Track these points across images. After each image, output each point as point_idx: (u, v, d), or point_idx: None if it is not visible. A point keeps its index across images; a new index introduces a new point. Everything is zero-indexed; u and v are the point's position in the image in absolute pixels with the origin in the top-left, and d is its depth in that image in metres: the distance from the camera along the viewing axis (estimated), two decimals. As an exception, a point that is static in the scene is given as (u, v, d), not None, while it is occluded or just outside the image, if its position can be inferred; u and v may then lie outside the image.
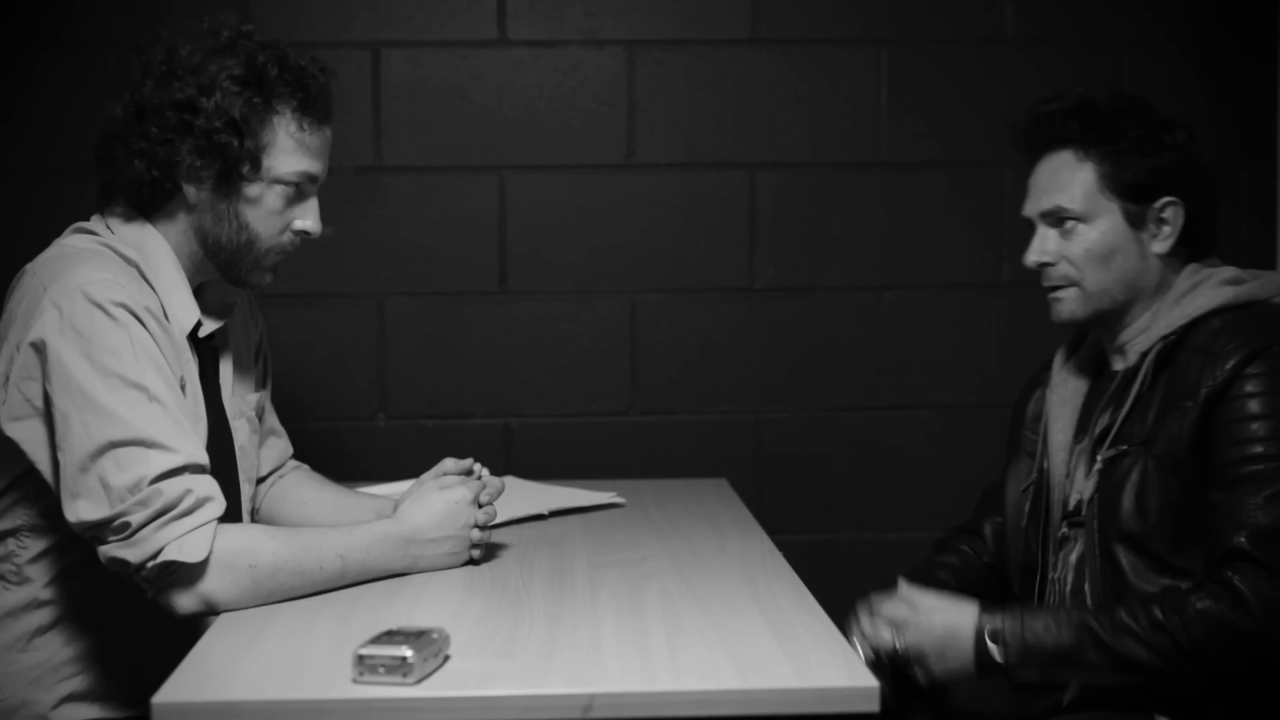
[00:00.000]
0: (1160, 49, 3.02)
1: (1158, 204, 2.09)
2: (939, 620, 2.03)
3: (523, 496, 2.46)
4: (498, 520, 2.12)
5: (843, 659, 1.61)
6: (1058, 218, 2.12)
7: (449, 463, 2.14)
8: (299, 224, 2.03)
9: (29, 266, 1.95)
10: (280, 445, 2.34)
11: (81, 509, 1.79)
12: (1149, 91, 2.95)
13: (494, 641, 1.67)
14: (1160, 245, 2.11)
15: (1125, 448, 2.07)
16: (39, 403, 1.85)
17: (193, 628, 1.83)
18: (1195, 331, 2.05)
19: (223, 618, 1.79)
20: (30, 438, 1.87)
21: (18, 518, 1.95)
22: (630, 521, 2.38)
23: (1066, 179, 2.12)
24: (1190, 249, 2.13)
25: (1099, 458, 2.10)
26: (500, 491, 2.11)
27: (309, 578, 1.87)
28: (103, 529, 1.78)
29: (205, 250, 2.01)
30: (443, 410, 2.98)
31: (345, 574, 1.91)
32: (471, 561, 2.03)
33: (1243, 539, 1.91)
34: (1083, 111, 2.14)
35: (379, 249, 2.95)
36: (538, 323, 2.99)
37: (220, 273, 2.05)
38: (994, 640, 1.97)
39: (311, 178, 2.02)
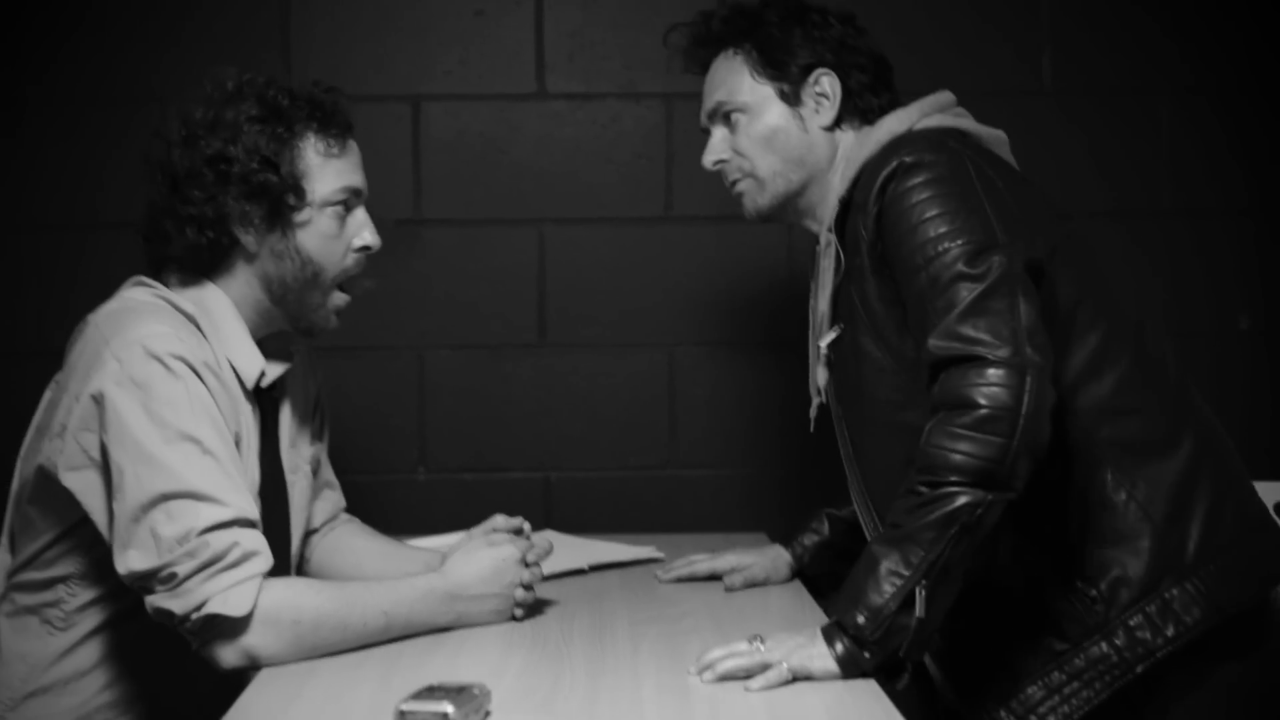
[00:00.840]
0: (1198, 99, 3.01)
1: (811, 78, 2.10)
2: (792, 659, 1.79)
3: (562, 551, 2.45)
4: (538, 575, 2.12)
5: (884, 717, 1.59)
6: (723, 114, 2.15)
7: (499, 519, 2.14)
8: (358, 241, 2.04)
9: (90, 318, 1.96)
10: (334, 498, 2.34)
11: (131, 559, 1.79)
12: (1187, 141, 2.99)
13: (534, 698, 1.66)
14: (823, 118, 2.11)
15: (841, 327, 2.04)
16: (95, 454, 1.86)
17: (237, 681, 1.83)
18: (856, 190, 2.01)
19: (265, 672, 1.78)
20: (85, 488, 1.88)
21: (69, 565, 1.96)
22: (675, 582, 2.36)
23: (723, 75, 2.16)
24: (863, 118, 2.12)
25: (820, 346, 2.08)
26: (548, 552, 2.11)
27: (352, 632, 1.87)
28: (150, 579, 1.79)
29: (272, 296, 2.02)
30: (482, 464, 2.98)
31: (389, 629, 1.91)
32: (514, 619, 2.03)
33: (930, 347, 1.82)
34: (730, 14, 2.17)
35: (419, 302, 2.96)
36: (577, 375, 2.99)
37: (289, 318, 2.05)
38: (836, 640, 1.77)
39: (355, 191, 2.04)
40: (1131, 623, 1.87)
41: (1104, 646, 1.88)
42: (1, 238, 2.93)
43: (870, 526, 2.06)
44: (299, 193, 1.98)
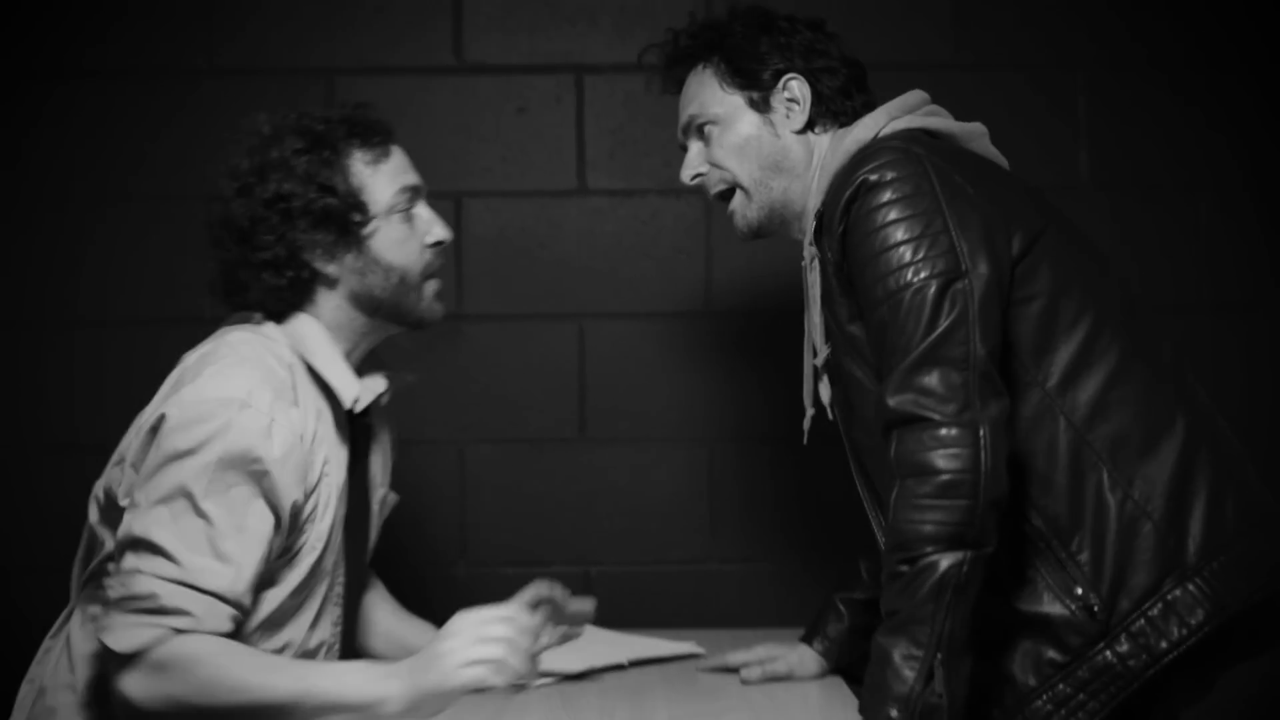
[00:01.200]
0: (1237, 196, 3.01)
1: (779, 84, 2.11)
2: None
3: (602, 646, 2.44)
4: (577, 670, 2.10)
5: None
6: (696, 128, 2.17)
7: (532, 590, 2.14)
8: (429, 238, 2.08)
9: (186, 357, 1.99)
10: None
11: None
12: (1229, 239, 2.98)
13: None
14: (794, 122, 2.12)
15: (829, 347, 2.03)
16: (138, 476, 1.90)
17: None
18: (825, 206, 2.00)
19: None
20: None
21: None
22: (710, 672, 2.35)
23: (694, 90, 2.17)
24: (836, 120, 2.12)
25: (816, 362, 2.07)
26: (578, 625, 2.10)
27: (253, 693, 1.81)
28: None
29: (366, 312, 2.05)
30: (522, 558, 2.97)
31: (306, 699, 1.81)
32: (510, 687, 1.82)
33: (886, 400, 1.84)
34: (695, 35, 2.19)
35: (460, 396, 2.97)
36: (616, 469, 2.99)
37: (395, 322, 2.08)
38: None
39: (413, 189, 2.08)
40: (1134, 628, 1.84)
41: (1108, 655, 1.85)
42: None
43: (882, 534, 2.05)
44: (361, 207, 2.01)
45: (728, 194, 2.17)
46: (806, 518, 2.98)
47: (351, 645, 2.18)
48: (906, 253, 1.85)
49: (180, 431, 1.85)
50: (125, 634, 1.81)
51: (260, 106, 2.10)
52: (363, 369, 2.10)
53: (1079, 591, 1.87)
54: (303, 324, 2.03)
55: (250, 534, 1.87)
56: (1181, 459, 1.90)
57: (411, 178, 2.08)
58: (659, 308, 3.01)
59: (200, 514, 1.84)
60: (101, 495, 2.00)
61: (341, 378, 2.02)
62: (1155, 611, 1.85)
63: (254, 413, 1.87)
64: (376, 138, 2.06)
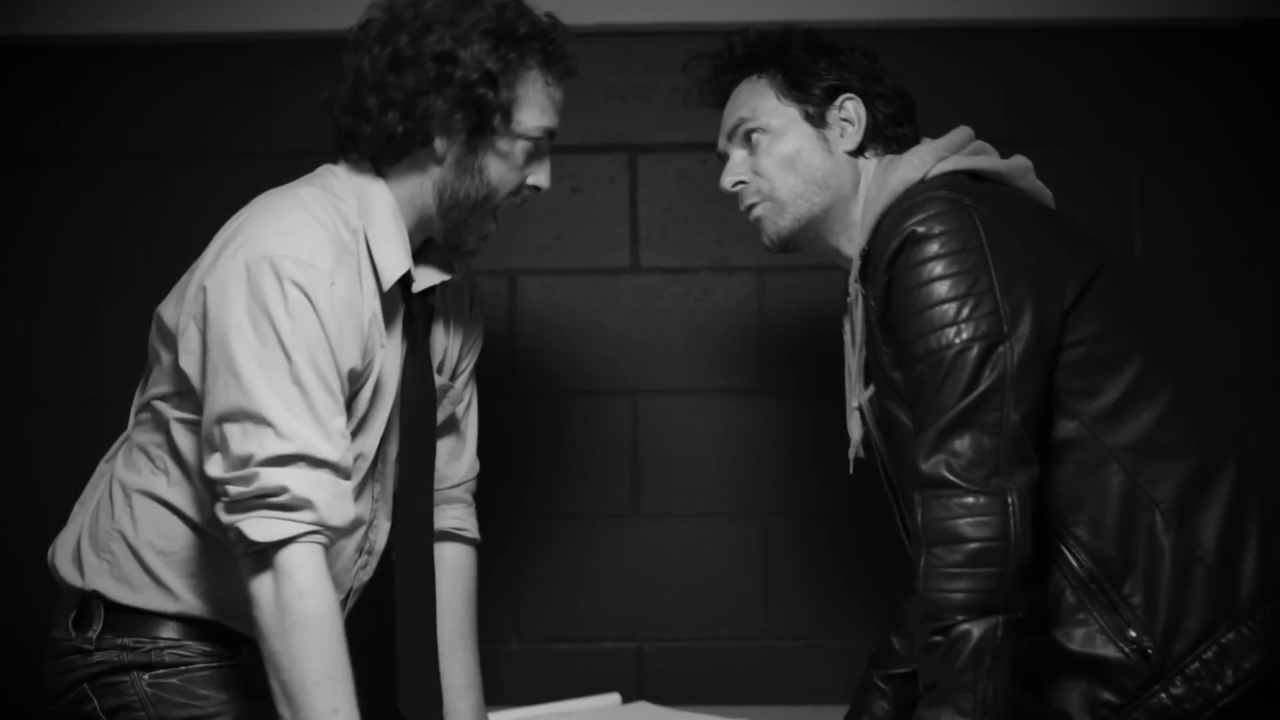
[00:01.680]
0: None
1: (837, 102, 2.10)
2: None
3: (655, 722, 2.44)
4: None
5: None
6: (744, 134, 2.14)
7: None
8: (533, 179, 2.08)
9: (258, 198, 1.99)
10: (469, 461, 2.36)
11: (208, 464, 1.85)
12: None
13: None
14: (848, 141, 2.10)
15: (872, 387, 2.01)
16: (198, 346, 1.90)
17: None
18: (871, 249, 1.98)
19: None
20: (195, 374, 1.91)
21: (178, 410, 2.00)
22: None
23: (746, 97, 2.15)
24: (886, 146, 2.11)
25: (854, 405, 2.06)
26: None
27: (308, 659, 1.82)
28: (216, 487, 1.84)
29: (440, 206, 2.04)
30: (575, 634, 2.97)
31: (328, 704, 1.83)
32: None
33: (916, 462, 1.85)
34: (753, 45, 2.17)
35: (514, 470, 2.98)
36: (670, 545, 2.99)
37: (444, 230, 2.07)
38: None
39: (551, 133, 2.07)
40: (1189, 671, 1.82)
41: (1164, 698, 1.83)
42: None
43: None
44: (507, 118, 2.00)
45: (759, 204, 2.16)
46: (860, 593, 2.97)
47: (413, 541, 2.18)
48: (950, 311, 1.86)
49: (253, 299, 1.85)
50: (265, 526, 1.81)
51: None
52: (427, 256, 2.12)
53: (1132, 634, 1.86)
54: (377, 191, 2.03)
55: (335, 397, 1.89)
56: (1233, 502, 1.89)
57: (556, 121, 2.08)
58: (712, 384, 3.02)
59: (297, 381, 1.84)
60: (169, 324, 1.99)
61: (393, 255, 2.01)
62: (1210, 655, 1.83)
63: (316, 272, 1.88)
64: (558, 68, 2.06)
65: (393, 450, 2.10)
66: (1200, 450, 1.91)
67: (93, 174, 3.01)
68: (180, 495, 2.01)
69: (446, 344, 2.23)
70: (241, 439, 1.82)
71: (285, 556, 1.81)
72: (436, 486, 2.26)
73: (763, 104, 2.15)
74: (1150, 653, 1.85)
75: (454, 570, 2.36)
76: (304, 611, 1.81)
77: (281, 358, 1.84)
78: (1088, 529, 1.89)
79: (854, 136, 2.12)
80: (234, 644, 2.04)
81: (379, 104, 1.99)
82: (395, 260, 2.01)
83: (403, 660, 2.14)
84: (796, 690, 2.91)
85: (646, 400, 3.01)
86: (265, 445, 1.81)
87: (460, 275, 2.21)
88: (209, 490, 1.89)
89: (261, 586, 1.82)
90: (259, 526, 1.81)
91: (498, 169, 2.03)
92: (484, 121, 1.99)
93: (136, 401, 2.09)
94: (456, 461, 2.34)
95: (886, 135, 2.13)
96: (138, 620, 2.01)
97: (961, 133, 2.12)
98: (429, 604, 2.20)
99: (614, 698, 2.57)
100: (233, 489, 1.82)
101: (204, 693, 1.99)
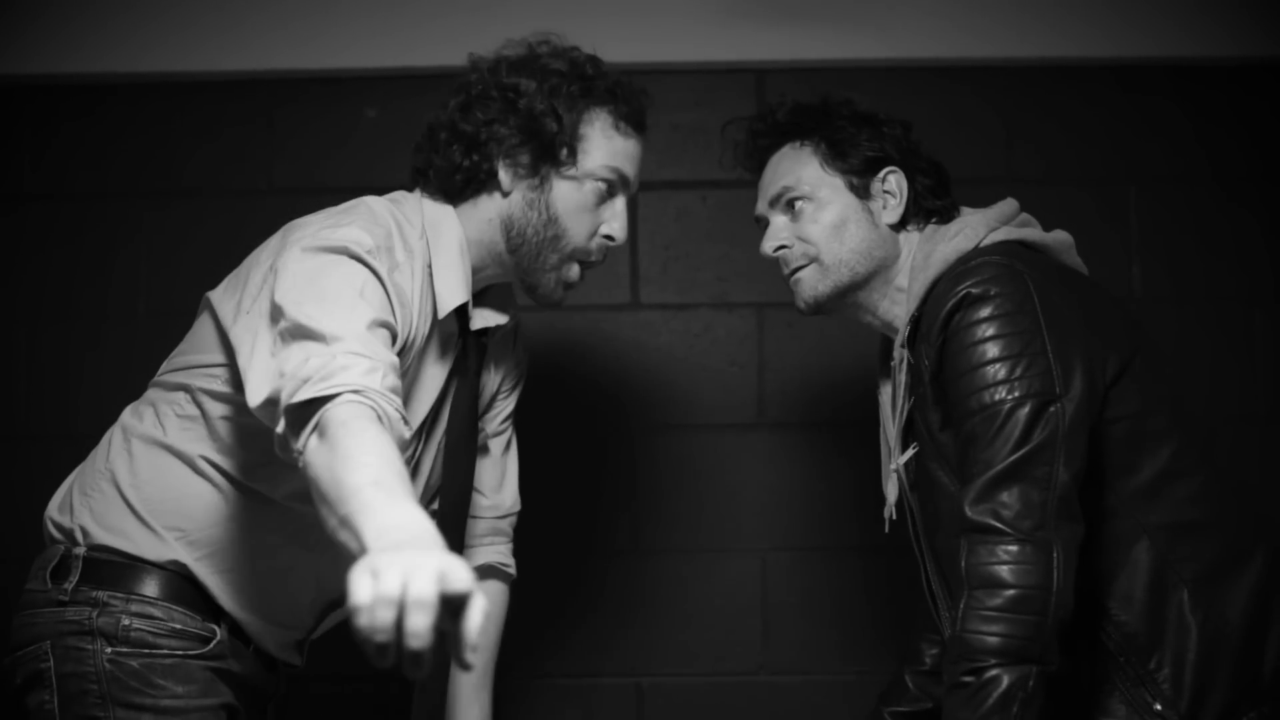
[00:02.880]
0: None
1: (880, 174, 2.11)
2: None
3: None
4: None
5: None
6: (787, 201, 2.15)
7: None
8: (606, 228, 2.09)
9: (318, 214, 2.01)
10: (512, 493, 2.36)
11: (256, 389, 1.79)
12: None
13: None
14: (891, 214, 2.12)
15: (915, 447, 2.01)
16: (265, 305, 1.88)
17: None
18: (924, 313, 2.00)
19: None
20: (244, 331, 1.90)
21: (200, 382, 2.02)
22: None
23: (789, 165, 2.16)
24: (927, 219, 2.12)
25: (893, 467, 2.06)
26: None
27: (333, 482, 1.58)
28: (270, 410, 1.75)
29: (508, 241, 2.07)
30: (574, 669, 2.97)
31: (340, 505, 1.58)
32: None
33: (963, 509, 1.86)
34: (795, 112, 2.18)
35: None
36: (669, 581, 2.99)
37: (519, 270, 2.09)
38: None
39: (623, 178, 2.09)
40: None
41: None
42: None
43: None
44: (571, 151, 2.03)
45: (804, 268, 2.17)
46: (859, 628, 2.97)
47: None
48: (1003, 370, 1.87)
49: (308, 253, 1.86)
50: (304, 390, 1.68)
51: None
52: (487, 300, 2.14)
53: (1158, 708, 1.87)
54: (448, 221, 2.05)
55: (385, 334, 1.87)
56: (1260, 585, 1.91)
57: (630, 169, 2.10)
58: (712, 419, 3.02)
59: (362, 299, 1.83)
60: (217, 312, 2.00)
61: (452, 285, 2.02)
62: None
63: (374, 255, 1.89)
64: (626, 115, 2.09)
65: (420, 475, 2.12)
66: (1230, 533, 1.94)
67: (89, 211, 3.03)
68: (185, 440, 2.02)
69: (485, 381, 2.25)
70: (304, 361, 1.74)
71: (328, 412, 1.67)
72: (486, 515, 2.31)
73: (806, 172, 2.16)
74: None
75: (491, 606, 2.35)
76: (348, 429, 1.63)
77: (342, 289, 1.83)
78: (1118, 602, 1.91)
79: (896, 210, 2.14)
80: (209, 621, 2.02)
81: (448, 138, 2.06)
82: (453, 291, 2.04)
83: (419, 691, 2.18)
84: (795, 726, 2.91)
85: (646, 436, 3.02)
86: (313, 350, 1.74)
87: (514, 322, 2.25)
88: (266, 417, 1.79)
89: (308, 440, 1.67)
90: (301, 393, 1.69)
91: (566, 208, 2.06)
92: (547, 153, 2.03)
93: (161, 371, 2.11)
94: (499, 493, 2.35)
95: (926, 208, 2.15)
96: (116, 572, 1.99)
97: (1009, 205, 2.15)
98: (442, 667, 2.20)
99: None
100: (284, 390, 1.71)
101: (161, 683, 1.96)
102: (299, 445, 1.68)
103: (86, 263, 3.02)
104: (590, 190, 2.06)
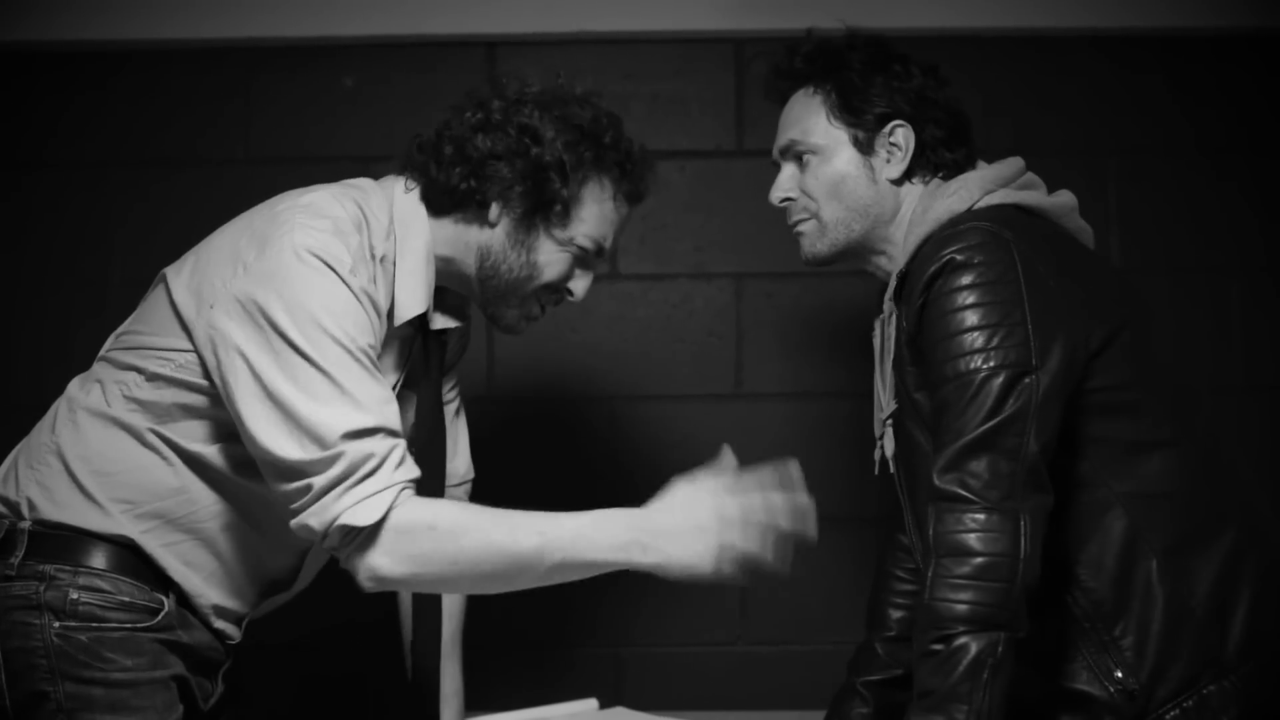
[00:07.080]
0: (1268, 278, 3.03)
1: (886, 129, 2.10)
2: None
3: (632, 728, 2.44)
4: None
5: None
6: (795, 153, 2.15)
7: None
8: (571, 284, 2.11)
9: (290, 194, 2.01)
10: (465, 460, 2.40)
11: (284, 447, 1.81)
12: (1260, 320, 2.98)
13: None
14: (893, 169, 2.11)
15: (895, 404, 2.03)
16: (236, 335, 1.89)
17: None
18: (909, 272, 2.00)
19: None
20: (215, 367, 1.91)
21: (152, 366, 2.00)
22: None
23: (799, 113, 2.15)
24: (933, 172, 2.11)
25: (883, 418, 2.06)
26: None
27: (498, 549, 1.84)
28: (291, 482, 1.81)
29: (480, 270, 2.08)
30: (552, 640, 2.98)
31: (545, 552, 1.88)
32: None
33: (933, 478, 1.87)
34: (814, 51, 2.16)
35: (494, 476, 2.96)
36: (648, 551, 2.98)
37: (481, 297, 2.12)
38: None
39: (600, 248, 2.10)
40: (1168, 717, 1.85)
41: None
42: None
43: None
44: (565, 213, 2.04)
45: (805, 221, 2.18)
46: (836, 599, 2.97)
47: None
48: (980, 339, 1.87)
49: (279, 281, 1.86)
50: (364, 509, 1.79)
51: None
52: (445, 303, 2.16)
53: (1119, 675, 1.88)
54: (419, 226, 2.06)
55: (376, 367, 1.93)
56: (1229, 558, 1.92)
57: (611, 237, 2.13)
58: (690, 390, 3.02)
59: (349, 351, 1.85)
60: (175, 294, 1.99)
61: (412, 292, 2.04)
62: (1190, 704, 1.86)
63: (342, 264, 1.89)
64: (629, 190, 2.11)
65: None
66: (1203, 506, 1.94)
67: (69, 179, 3.01)
68: (133, 416, 2.00)
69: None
70: (318, 411, 1.80)
71: (394, 519, 1.80)
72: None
73: (814, 124, 2.15)
74: (1135, 695, 1.87)
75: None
76: (445, 529, 1.83)
77: (328, 328, 1.85)
78: (1088, 568, 1.92)
79: (899, 164, 2.13)
80: (156, 591, 2.01)
81: (453, 153, 2.05)
82: (415, 298, 2.05)
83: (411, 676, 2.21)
84: (773, 696, 2.92)
85: (624, 406, 3.02)
86: (344, 418, 1.81)
87: (468, 324, 2.29)
88: (278, 492, 1.86)
89: (392, 548, 1.82)
90: (360, 512, 1.79)
91: (547, 258, 2.08)
92: (541, 205, 2.04)
93: (107, 346, 2.09)
94: (453, 460, 2.36)
95: (934, 161, 2.13)
96: (63, 545, 1.98)
97: (1012, 164, 2.14)
98: (435, 625, 2.28)
99: (591, 703, 2.56)
100: (315, 479, 1.79)
101: (110, 656, 1.95)
102: (344, 543, 1.82)
103: (65, 233, 3.01)
104: (571, 253, 2.09)
